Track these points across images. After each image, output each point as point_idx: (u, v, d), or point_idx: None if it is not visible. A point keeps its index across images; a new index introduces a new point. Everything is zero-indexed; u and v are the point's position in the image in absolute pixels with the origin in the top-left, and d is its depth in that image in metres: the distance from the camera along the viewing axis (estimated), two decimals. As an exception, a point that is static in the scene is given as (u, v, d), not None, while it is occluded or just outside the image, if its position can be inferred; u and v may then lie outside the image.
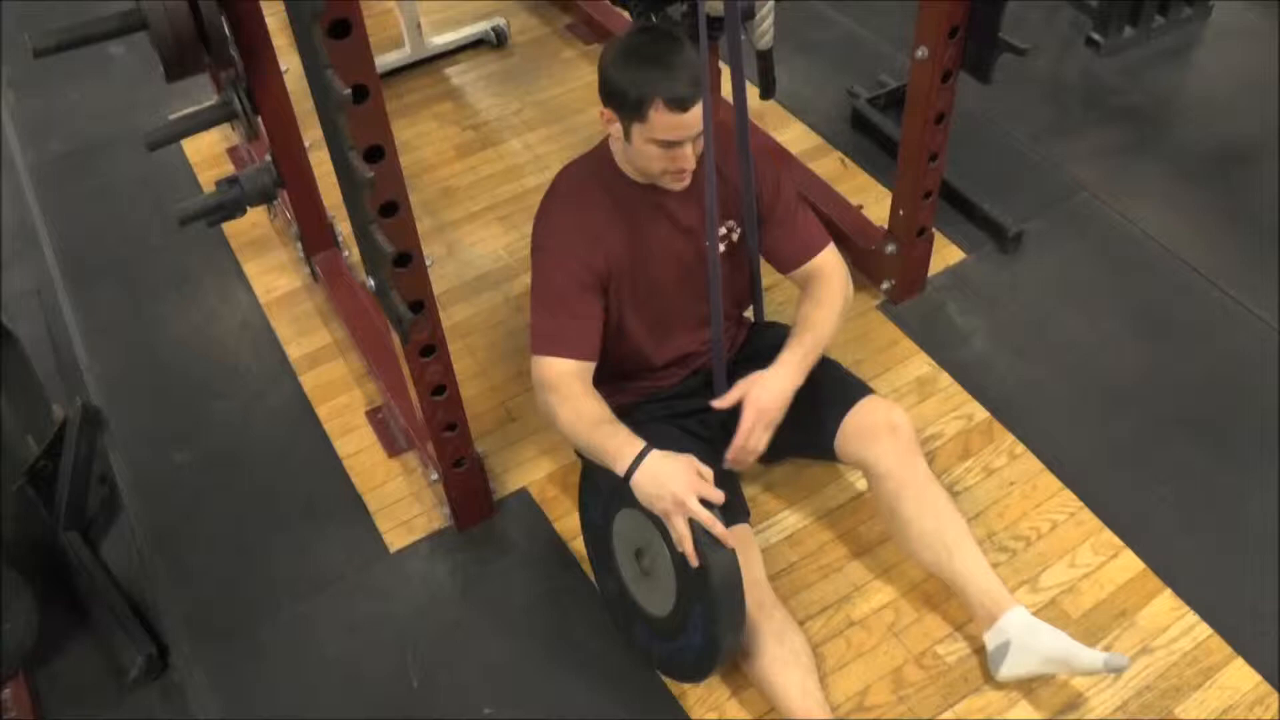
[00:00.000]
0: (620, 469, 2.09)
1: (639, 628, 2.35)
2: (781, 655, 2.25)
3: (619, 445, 2.11)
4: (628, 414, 2.39)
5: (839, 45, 4.13)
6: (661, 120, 2.09)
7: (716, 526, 2.03)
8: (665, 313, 2.42)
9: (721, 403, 2.31)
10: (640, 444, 2.10)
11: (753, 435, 2.28)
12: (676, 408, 2.48)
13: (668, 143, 2.13)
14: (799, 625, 2.36)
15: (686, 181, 2.24)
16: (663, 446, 2.12)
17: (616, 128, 2.20)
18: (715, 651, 2.15)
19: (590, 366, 2.29)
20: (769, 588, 2.33)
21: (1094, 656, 2.19)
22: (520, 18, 4.32)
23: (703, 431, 2.44)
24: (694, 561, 2.03)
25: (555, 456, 2.82)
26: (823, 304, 2.41)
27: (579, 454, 2.43)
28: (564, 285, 2.26)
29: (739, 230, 2.41)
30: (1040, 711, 2.32)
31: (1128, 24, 3.98)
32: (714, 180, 2.15)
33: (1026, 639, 2.26)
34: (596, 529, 2.39)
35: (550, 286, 2.28)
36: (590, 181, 2.33)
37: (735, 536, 2.13)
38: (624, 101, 2.13)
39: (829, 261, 2.47)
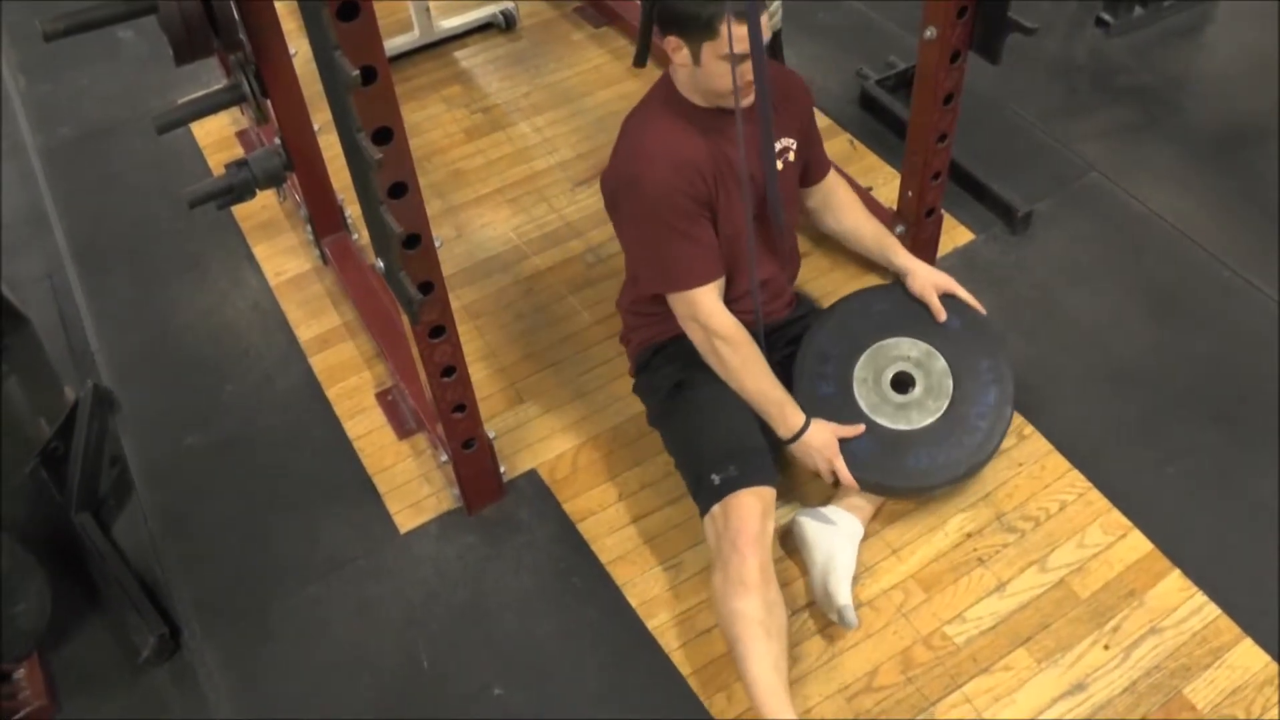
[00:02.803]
0: (784, 432, 2.47)
1: (864, 448, 2.50)
2: (767, 624, 2.24)
3: (786, 412, 2.47)
4: (683, 346, 2.55)
5: (848, 26, 4.12)
6: (733, 33, 2.19)
7: (848, 477, 2.47)
8: (740, 240, 2.51)
9: (937, 310, 2.66)
10: (802, 417, 2.47)
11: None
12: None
13: (738, 56, 2.21)
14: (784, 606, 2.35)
15: (753, 97, 2.32)
16: (716, 395, 2.49)
17: (684, 54, 2.32)
18: (1009, 404, 2.56)
19: (723, 283, 2.50)
20: (770, 558, 2.33)
21: (841, 594, 2.37)
22: (529, 1, 4.31)
23: None
24: (851, 483, 2.49)
25: (564, 438, 2.83)
26: (862, 206, 2.91)
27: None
28: (678, 216, 2.39)
29: (794, 147, 2.59)
30: (1049, 691, 2.32)
31: (1137, 4, 3.97)
32: (767, 98, 2.27)
33: (840, 539, 2.48)
34: (831, 361, 2.62)
35: (665, 221, 2.40)
36: (664, 113, 2.44)
37: (759, 498, 2.37)
38: (694, 23, 2.25)
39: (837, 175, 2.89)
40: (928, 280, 2.68)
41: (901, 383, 2.60)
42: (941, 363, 2.60)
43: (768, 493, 2.39)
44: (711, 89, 2.35)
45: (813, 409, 2.50)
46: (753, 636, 2.23)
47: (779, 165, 2.52)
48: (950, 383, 2.57)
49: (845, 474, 2.47)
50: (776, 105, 2.44)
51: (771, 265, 2.64)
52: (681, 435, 2.57)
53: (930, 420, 2.54)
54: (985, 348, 2.62)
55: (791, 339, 2.67)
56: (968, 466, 2.55)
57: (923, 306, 2.67)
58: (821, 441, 2.47)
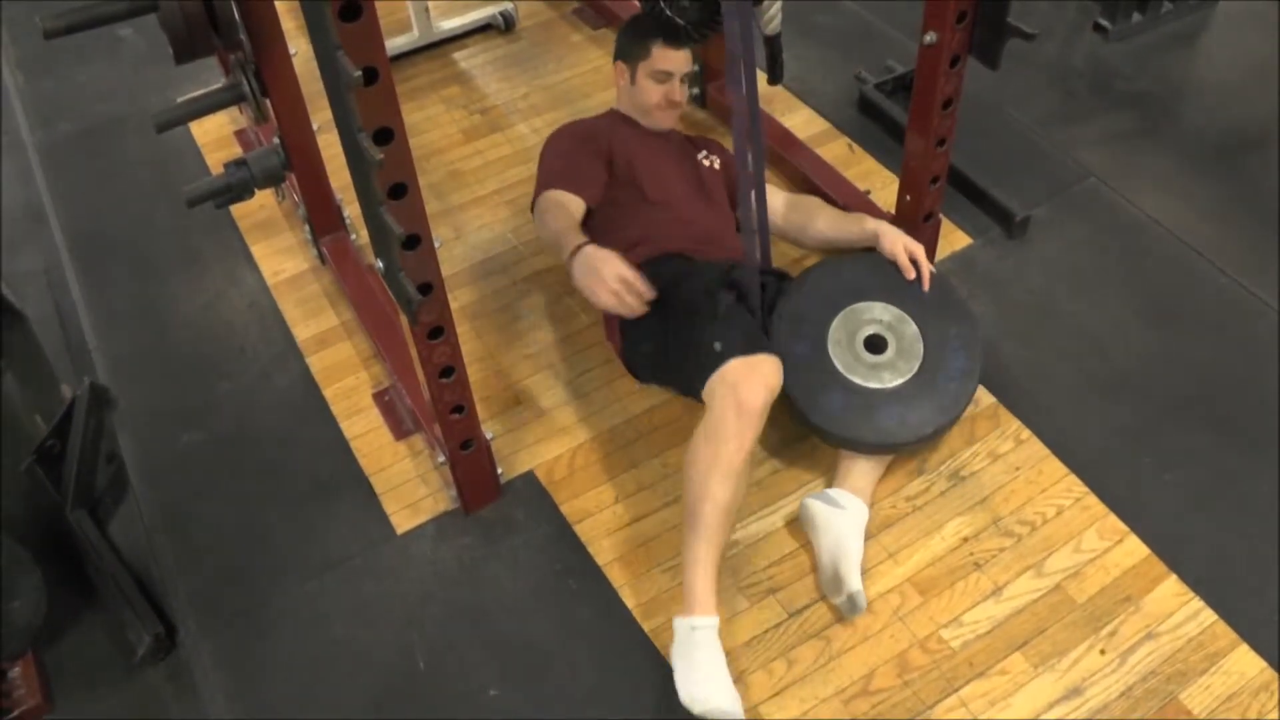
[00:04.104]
0: (568, 249, 2.56)
1: (838, 404, 2.61)
2: (732, 513, 2.35)
3: (571, 240, 2.59)
4: (668, 259, 2.76)
5: (847, 30, 4.13)
6: (660, 54, 2.89)
7: (639, 283, 2.50)
8: (678, 208, 2.90)
9: (905, 266, 2.78)
10: (584, 238, 2.60)
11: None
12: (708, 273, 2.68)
13: (664, 74, 2.91)
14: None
15: (673, 120, 3.03)
16: (694, 293, 2.58)
17: (626, 77, 2.97)
18: (977, 370, 2.69)
19: (582, 204, 2.82)
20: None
21: (852, 580, 2.43)
22: (528, 2, 4.31)
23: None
24: (642, 288, 2.52)
25: (562, 439, 2.83)
26: (819, 200, 3.15)
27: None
28: (570, 149, 2.93)
29: (717, 160, 3.09)
30: (1045, 695, 2.33)
31: (1136, 10, 3.98)
32: (756, 97, 2.52)
33: (848, 524, 2.53)
34: (806, 322, 2.71)
35: (557, 152, 2.95)
36: (589, 119, 3.09)
37: (767, 368, 2.40)
38: (633, 47, 2.93)
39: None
40: (898, 240, 2.79)
41: (874, 344, 2.70)
42: (913, 328, 2.70)
43: (774, 363, 2.42)
44: (640, 103, 2.97)
45: (789, 366, 2.50)
46: (718, 525, 2.32)
47: (705, 164, 3.04)
48: (921, 347, 2.68)
49: (631, 276, 2.48)
50: (693, 140, 3.10)
51: (710, 218, 2.93)
52: (673, 331, 2.58)
53: (901, 381, 2.64)
54: (954, 317, 2.74)
55: (770, 305, 2.72)
56: (935, 426, 2.63)
57: (894, 272, 2.78)
58: (605, 253, 2.51)
